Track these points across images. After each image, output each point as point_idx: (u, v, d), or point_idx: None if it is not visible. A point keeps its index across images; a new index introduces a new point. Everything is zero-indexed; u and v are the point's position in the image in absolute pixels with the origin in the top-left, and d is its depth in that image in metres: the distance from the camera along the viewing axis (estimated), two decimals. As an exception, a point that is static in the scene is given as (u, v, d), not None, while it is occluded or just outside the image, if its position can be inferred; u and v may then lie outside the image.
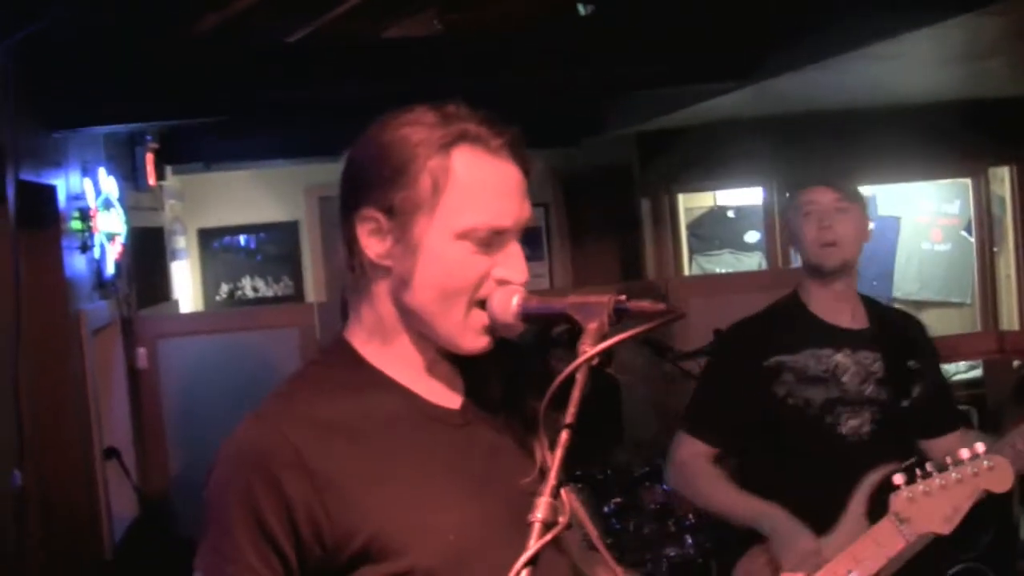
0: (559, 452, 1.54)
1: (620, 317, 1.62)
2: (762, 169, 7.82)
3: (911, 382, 3.33)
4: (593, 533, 1.88)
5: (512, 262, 1.74)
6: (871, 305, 3.45)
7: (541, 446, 1.59)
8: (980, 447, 2.63)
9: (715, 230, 8.63)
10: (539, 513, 1.48)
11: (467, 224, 1.70)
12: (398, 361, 1.81)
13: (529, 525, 1.51)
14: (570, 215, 8.69)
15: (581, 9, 4.17)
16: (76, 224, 5.23)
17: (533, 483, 1.69)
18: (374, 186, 1.73)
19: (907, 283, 8.46)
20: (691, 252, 8.48)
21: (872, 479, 3.06)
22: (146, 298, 6.62)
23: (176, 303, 7.51)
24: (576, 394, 1.57)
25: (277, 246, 8.41)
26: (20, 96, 4.45)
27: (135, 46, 4.75)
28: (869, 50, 4.77)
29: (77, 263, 5.26)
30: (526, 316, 1.71)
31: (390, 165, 1.71)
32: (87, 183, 5.35)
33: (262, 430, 1.71)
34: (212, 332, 6.54)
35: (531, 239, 8.68)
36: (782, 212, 3.53)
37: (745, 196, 8.61)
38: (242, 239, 8.41)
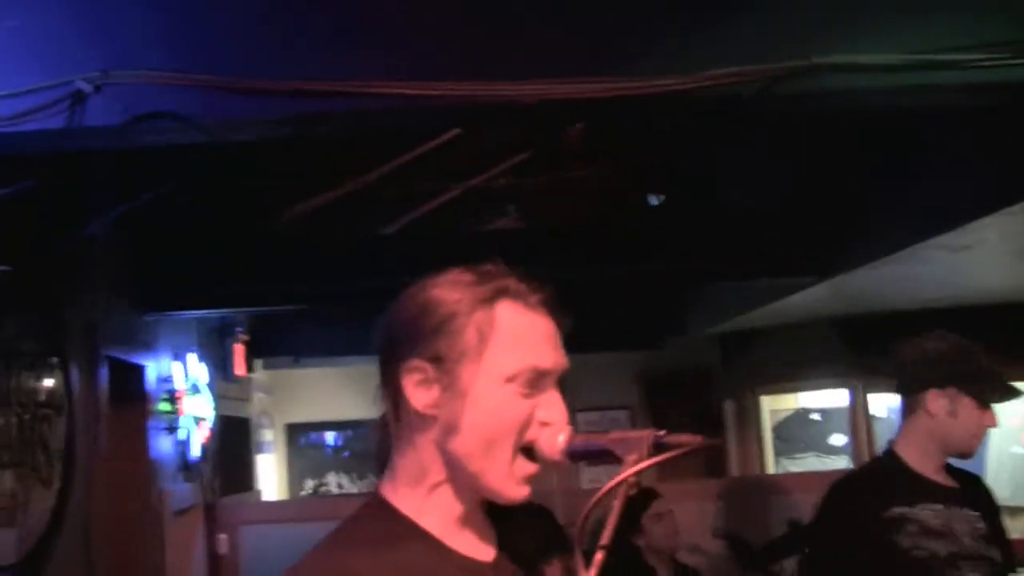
0: (593, 571, 1.57)
1: (660, 450, 1.67)
2: (845, 371, 7.81)
3: (1007, 543, 3.36)
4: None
5: (554, 404, 1.79)
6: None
7: (577, 566, 1.62)
8: None
9: (800, 433, 8.56)
10: None
11: (515, 367, 1.76)
12: (434, 512, 1.84)
13: None
14: (653, 417, 8.70)
15: (652, 200, 4.29)
16: (164, 406, 5.38)
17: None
18: (420, 338, 1.80)
19: (1000, 488, 8.25)
20: (776, 455, 8.42)
21: None
22: (229, 486, 6.72)
23: (259, 493, 7.59)
24: (612, 519, 1.61)
25: (364, 443, 8.50)
26: (113, 277, 4.66)
27: (228, 234, 4.91)
28: (941, 241, 4.85)
29: (163, 444, 5.39)
30: (572, 453, 1.76)
31: (436, 318, 1.79)
32: (176, 366, 5.52)
33: None
34: (294, 521, 6.57)
35: (616, 443, 8.70)
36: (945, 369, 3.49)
37: (830, 399, 8.57)
38: (329, 436, 8.53)
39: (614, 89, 2.63)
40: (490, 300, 1.79)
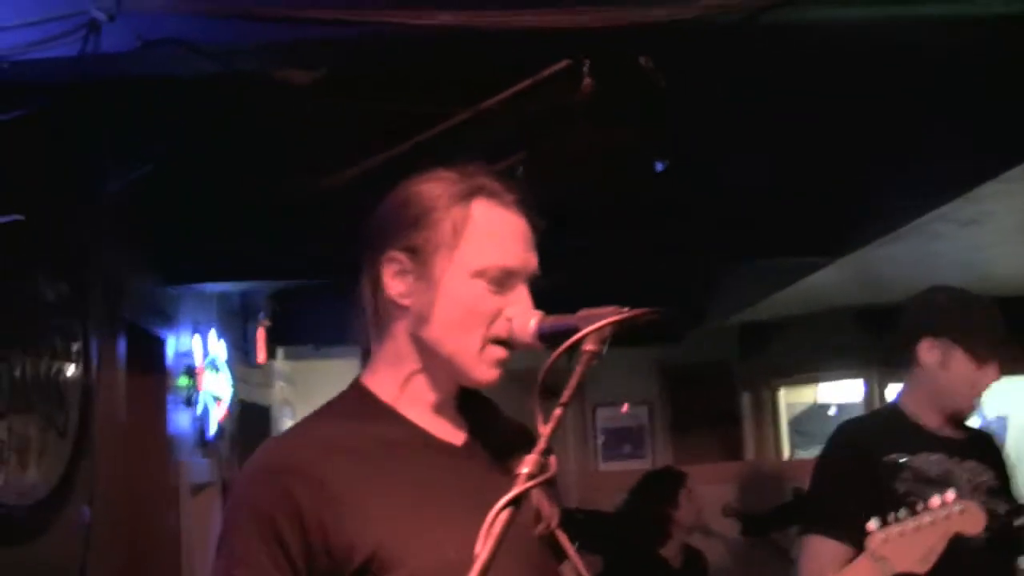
0: (551, 424, 1.64)
1: (623, 325, 1.74)
2: (862, 362, 7.83)
3: (1015, 501, 3.34)
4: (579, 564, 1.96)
5: (521, 301, 1.88)
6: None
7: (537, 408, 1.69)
8: (950, 495, 2.67)
9: (816, 427, 8.57)
10: (525, 468, 1.57)
11: (484, 263, 1.86)
12: (408, 397, 1.93)
13: (528, 540, 1.75)
14: (673, 411, 8.74)
15: (659, 165, 4.32)
16: (183, 380, 5.47)
17: (531, 516, 1.85)
18: (399, 230, 1.90)
19: (1020, 484, 8.27)
20: (792, 448, 8.44)
21: None
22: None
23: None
24: (573, 380, 1.68)
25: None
26: (136, 242, 4.73)
27: (255, 202, 4.91)
28: (951, 214, 4.89)
29: (181, 418, 5.47)
30: (543, 335, 1.83)
31: (414, 211, 1.90)
32: (196, 341, 5.60)
33: (276, 450, 1.87)
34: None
35: (634, 437, 8.75)
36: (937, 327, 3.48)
37: (847, 393, 8.58)
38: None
39: (606, 19, 2.70)
40: (467, 197, 1.90)
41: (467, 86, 3.93)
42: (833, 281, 6.33)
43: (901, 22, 2.98)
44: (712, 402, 8.56)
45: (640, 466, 8.39)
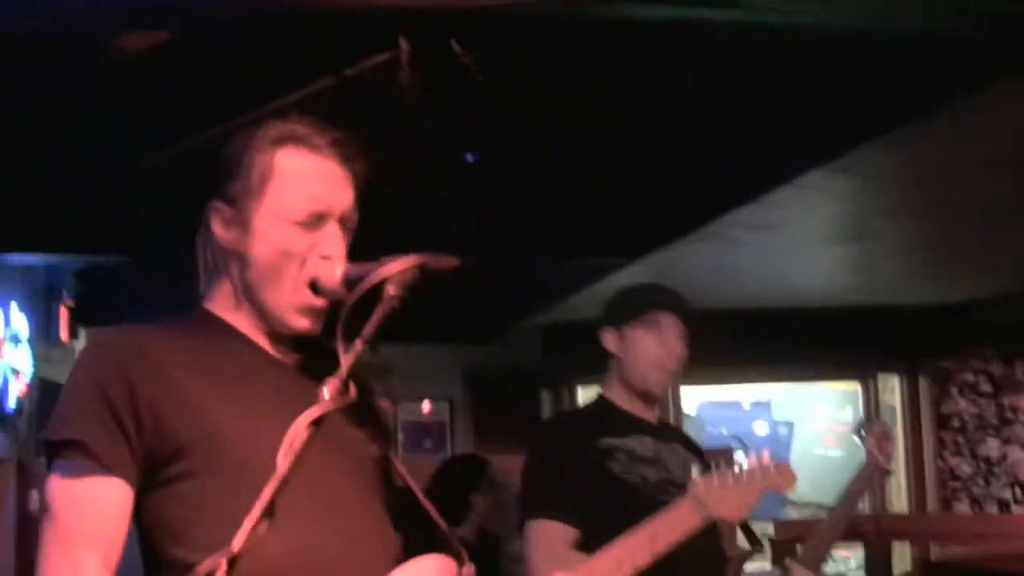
0: (351, 355, 1.81)
1: (422, 270, 1.88)
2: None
3: None
4: (415, 489, 2.08)
5: (330, 239, 2.04)
6: None
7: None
8: (766, 456, 2.90)
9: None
10: (326, 392, 1.69)
11: (291, 207, 2.02)
12: (245, 322, 2.11)
13: (362, 461, 1.99)
14: (475, 408, 8.86)
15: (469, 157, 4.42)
16: (-20, 349, 5.37)
17: (365, 441, 2.04)
18: (221, 180, 2.08)
19: (801, 486, 8.60)
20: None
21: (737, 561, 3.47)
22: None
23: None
24: (375, 319, 1.85)
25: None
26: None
27: (65, 176, 4.81)
28: (744, 219, 5.13)
29: (-24, 389, 5.38)
30: (349, 282, 1.96)
31: (228, 163, 2.07)
32: (-4, 312, 5.51)
33: (115, 334, 2.02)
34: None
35: (435, 433, 8.85)
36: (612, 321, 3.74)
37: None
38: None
39: (427, 4, 2.80)
40: (274, 144, 2.06)
41: (294, 67, 3.97)
42: (633, 282, 6.51)
43: (703, 24, 3.16)
44: (514, 400, 8.70)
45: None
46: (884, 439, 3.83)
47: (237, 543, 1.44)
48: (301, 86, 3.93)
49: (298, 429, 1.60)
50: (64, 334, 6.75)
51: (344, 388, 1.70)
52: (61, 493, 1.88)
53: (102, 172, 4.70)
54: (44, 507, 1.90)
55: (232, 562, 1.42)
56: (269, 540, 1.79)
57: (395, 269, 1.83)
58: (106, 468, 1.86)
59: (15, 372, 5.70)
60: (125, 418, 1.88)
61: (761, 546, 3.57)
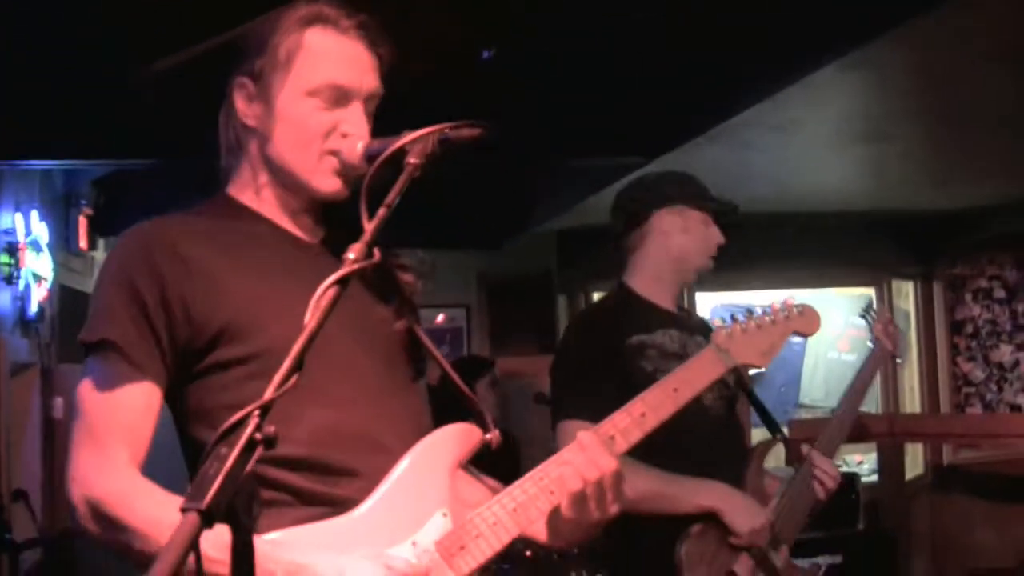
0: (376, 220, 1.78)
1: (444, 143, 1.90)
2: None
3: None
4: (441, 360, 2.15)
5: (354, 119, 2.08)
6: None
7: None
8: (791, 299, 2.88)
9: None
10: (351, 254, 1.72)
11: (316, 83, 2.05)
12: (267, 203, 2.16)
13: (386, 336, 2.04)
14: (491, 316, 8.93)
15: (485, 53, 4.42)
16: (3, 257, 5.44)
17: (390, 315, 2.10)
18: (247, 57, 2.10)
19: (814, 390, 8.76)
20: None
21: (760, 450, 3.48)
22: (67, 355, 6.76)
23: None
24: (398, 186, 1.84)
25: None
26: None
27: (81, 82, 4.83)
28: (759, 119, 5.14)
29: (1, 296, 5.45)
30: (370, 155, 2.00)
31: (257, 39, 2.09)
32: (19, 219, 5.57)
33: (143, 229, 2.03)
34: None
35: (453, 339, 8.93)
36: (640, 200, 3.71)
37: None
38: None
39: None
40: (303, 23, 2.10)
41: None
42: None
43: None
44: (529, 306, 8.77)
45: (458, 366, 8.60)
46: (890, 324, 3.83)
47: (269, 393, 1.49)
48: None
49: (325, 288, 1.65)
50: (83, 243, 6.83)
51: (368, 251, 1.73)
52: (93, 391, 1.92)
53: (116, 79, 4.71)
54: (75, 404, 1.95)
55: (265, 410, 1.46)
56: (304, 416, 1.90)
57: (416, 137, 1.86)
58: (137, 368, 1.92)
59: (37, 278, 5.77)
60: (157, 316, 1.92)
61: (782, 434, 3.61)
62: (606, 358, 3.43)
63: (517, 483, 2.06)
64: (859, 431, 6.76)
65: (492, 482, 2.15)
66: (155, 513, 1.82)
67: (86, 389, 1.94)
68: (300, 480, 1.93)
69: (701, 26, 4.47)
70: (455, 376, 2.15)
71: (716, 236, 3.61)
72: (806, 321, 2.73)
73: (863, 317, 3.92)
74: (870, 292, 8.77)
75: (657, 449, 3.06)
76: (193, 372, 1.97)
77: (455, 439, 2.07)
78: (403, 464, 1.99)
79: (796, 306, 2.72)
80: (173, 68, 4.56)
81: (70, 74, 4.80)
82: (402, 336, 2.17)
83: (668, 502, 3.29)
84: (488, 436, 2.09)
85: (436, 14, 4.20)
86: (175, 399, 2.00)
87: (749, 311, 2.70)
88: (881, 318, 3.83)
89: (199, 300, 1.94)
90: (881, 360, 3.83)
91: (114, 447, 1.90)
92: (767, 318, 2.67)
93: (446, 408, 2.17)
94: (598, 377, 3.40)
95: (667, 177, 3.70)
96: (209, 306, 1.95)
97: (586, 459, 2.05)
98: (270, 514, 1.82)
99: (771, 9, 4.17)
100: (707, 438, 3.44)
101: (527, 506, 2.03)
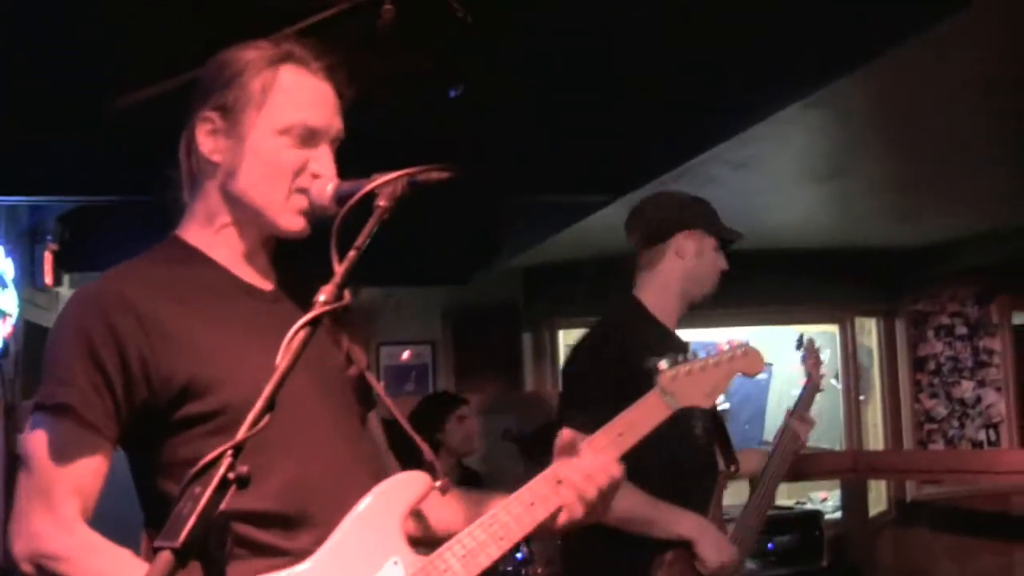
0: (347, 263, 1.79)
1: (412, 186, 1.92)
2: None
3: None
4: (390, 405, 2.16)
5: (324, 160, 2.11)
6: None
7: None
8: (736, 339, 2.92)
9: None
10: (322, 296, 1.73)
11: (288, 121, 2.07)
12: (220, 246, 2.15)
13: (339, 380, 2.07)
14: (457, 352, 8.92)
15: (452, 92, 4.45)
16: (-33, 291, 5.41)
17: (342, 359, 2.10)
18: (213, 91, 2.10)
19: (778, 426, 8.74)
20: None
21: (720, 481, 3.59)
22: (31, 394, 6.71)
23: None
24: (367, 228, 1.86)
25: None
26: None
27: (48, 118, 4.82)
28: (723, 156, 5.18)
29: (-36, 331, 5.42)
30: (340, 197, 2.01)
31: (228, 73, 2.10)
32: (-18, 254, 5.55)
33: (98, 286, 2.03)
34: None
35: (418, 376, 8.91)
36: (675, 222, 3.82)
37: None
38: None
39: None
40: (276, 61, 2.10)
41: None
42: (614, 223, 6.56)
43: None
44: (495, 342, 8.77)
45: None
46: (816, 356, 3.98)
47: (242, 432, 1.50)
48: (284, 22, 3.97)
49: (296, 330, 1.65)
50: (49, 278, 6.79)
51: (339, 294, 1.74)
52: (46, 449, 1.92)
53: (83, 114, 4.70)
54: (24, 457, 1.96)
55: (238, 450, 1.47)
56: (274, 467, 1.93)
57: (386, 180, 1.88)
58: (93, 430, 1.93)
59: (2, 315, 5.73)
60: (116, 379, 1.93)
61: (738, 465, 3.65)
62: (618, 385, 3.34)
63: (467, 529, 2.08)
64: (823, 468, 6.85)
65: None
66: (108, 568, 1.87)
67: (38, 446, 1.93)
68: (260, 533, 1.94)
69: (667, 65, 4.52)
70: (405, 424, 2.16)
71: (722, 262, 3.78)
72: (749, 362, 2.78)
73: (798, 349, 4.04)
74: (833, 328, 8.82)
75: (646, 474, 3.22)
76: (157, 428, 1.97)
77: (405, 487, 2.08)
78: (353, 514, 2.01)
79: (740, 346, 2.76)
80: (140, 102, 4.59)
81: (36, 110, 4.80)
82: (354, 381, 2.19)
83: (648, 526, 3.42)
84: (437, 484, 2.09)
85: (403, 52, 4.22)
86: (136, 452, 2.02)
87: (694, 352, 2.75)
88: (811, 350, 3.96)
89: (158, 359, 1.95)
90: (814, 390, 3.97)
91: (65, 505, 1.92)
92: (711, 360, 2.71)
93: (405, 444, 2.19)
94: (615, 401, 3.37)
95: (689, 200, 3.82)
96: (168, 364, 1.95)
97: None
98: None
99: (736, 47, 4.22)
100: (693, 468, 3.52)
101: (476, 552, 2.05)
